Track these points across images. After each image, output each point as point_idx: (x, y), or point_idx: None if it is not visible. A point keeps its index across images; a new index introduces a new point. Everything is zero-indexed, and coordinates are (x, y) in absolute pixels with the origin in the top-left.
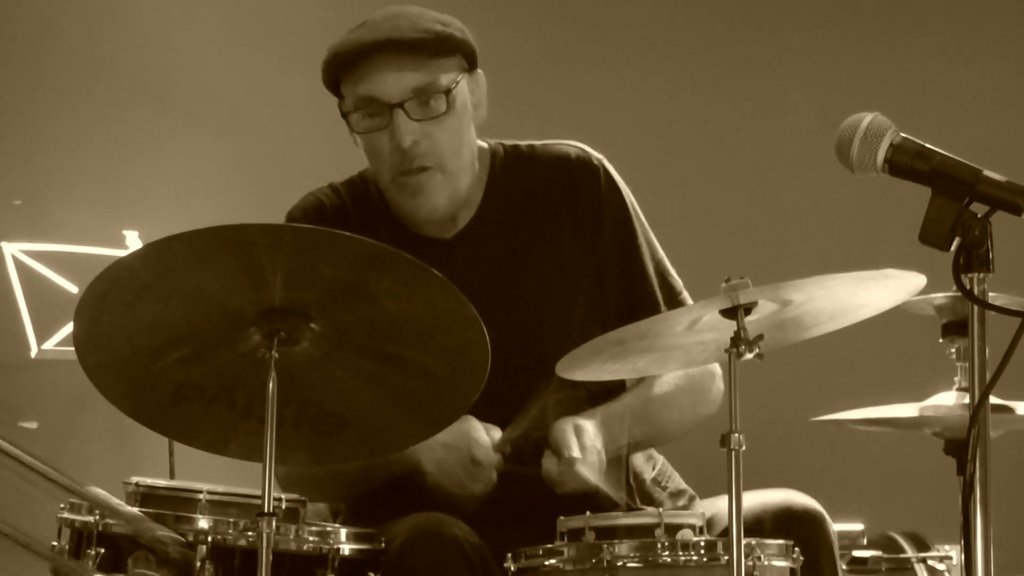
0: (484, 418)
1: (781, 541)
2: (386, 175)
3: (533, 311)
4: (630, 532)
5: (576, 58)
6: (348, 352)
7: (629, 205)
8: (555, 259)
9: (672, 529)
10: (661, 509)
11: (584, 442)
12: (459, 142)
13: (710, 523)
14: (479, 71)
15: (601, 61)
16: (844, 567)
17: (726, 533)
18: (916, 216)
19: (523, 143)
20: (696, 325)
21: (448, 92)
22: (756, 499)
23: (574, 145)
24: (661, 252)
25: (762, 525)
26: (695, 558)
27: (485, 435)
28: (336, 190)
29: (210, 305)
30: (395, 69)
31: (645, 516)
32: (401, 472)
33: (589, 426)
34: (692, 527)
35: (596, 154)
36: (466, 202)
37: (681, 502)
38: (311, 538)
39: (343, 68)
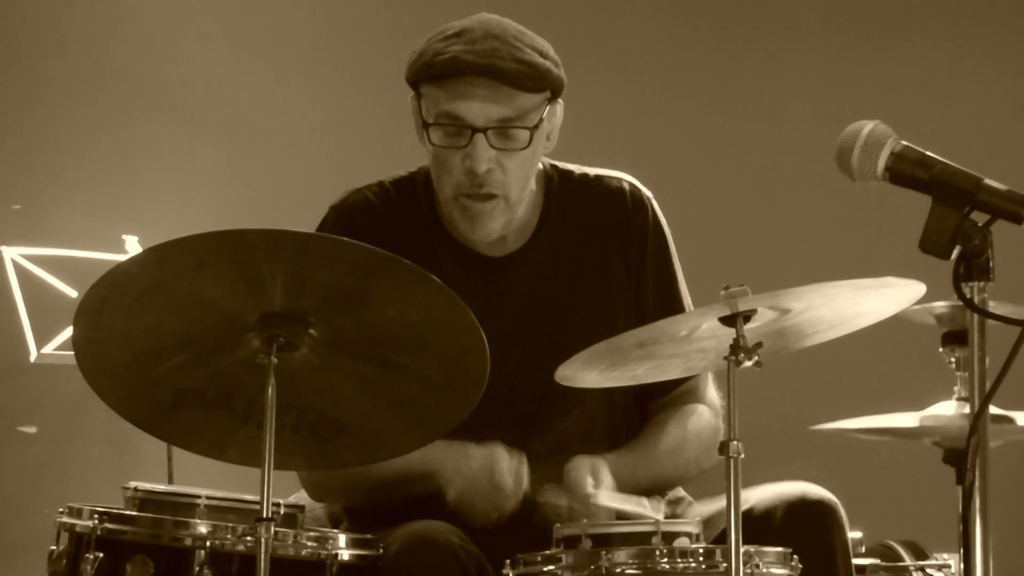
0: (522, 441)
1: (780, 549)
2: (449, 191)
3: (577, 337)
4: (627, 540)
5: (574, 64)
6: (347, 358)
7: (669, 241)
8: (603, 287)
9: (669, 537)
10: (658, 516)
11: (600, 478)
12: (528, 174)
13: (716, 517)
14: (559, 101)
15: (600, 68)
16: None
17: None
18: (916, 224)
19: (575, 169)
20: (695, 333)
21: (533, 128)
22: (771, 491)
23: (626, 179)
24: (685, 286)
25: (776, 515)
26: (693, 565)
27: (509, 468)
28: (386, 190)
29: (209, 310)
30: (487, 97)
31: (642, 524)
32: (423, 493)
33: (603, 465)
34: (689, 535)
35: (646, 190)
36: (519, 224)
37: (679, 509)
38: (309, 544)
39: (433, 79)
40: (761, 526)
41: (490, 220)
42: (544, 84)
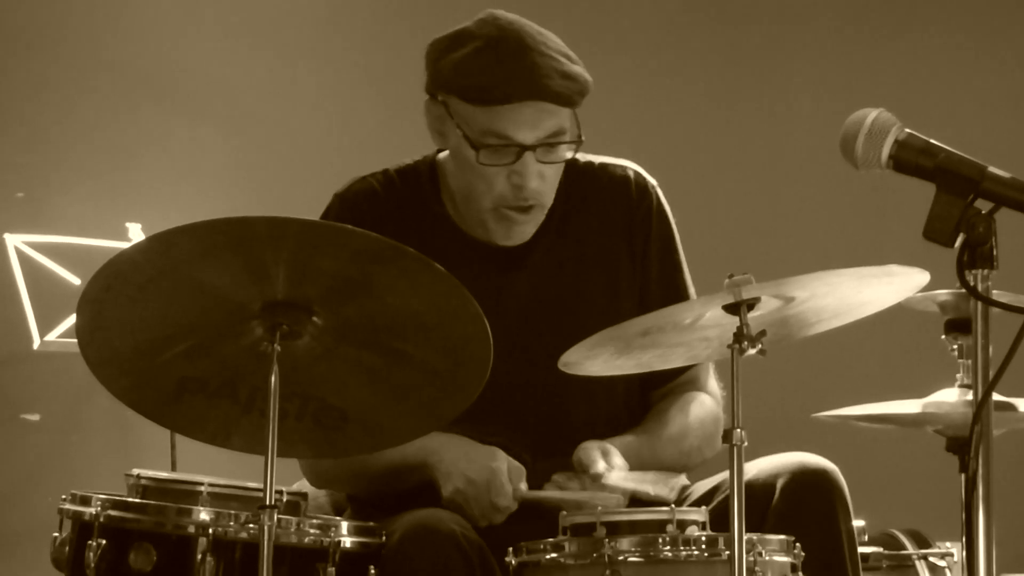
0: (526, 429)
1: (782, 536)
2: (488, 202)
3: (582, 325)
4: (641, 528)
5: (581, 54)
6: (350, 346)
7: (674, 228)
8: (608, 276)
9: (683, 525)
10: (670, 492)
11: (612, 461)
12: (559, 178)
13: (717, 488)
14: None
15: (605, 58)
16: None
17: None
18: (920, 212)
19: (580, 157)
20: (699, 321)
21: (577, 142)
22: (771, 462)
23: (631, 167)
24: (689, 274)
25: (776, 484)
26: (696, 553)
27: (508, 482)
28: (391, 179)
29: (213, 298)
30: (537, 117)
31: (656, 512)
32: (423, 481)
33: (612, 447)
34: (696, 523)
35: (650, 178)
36: None
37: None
38: (312, 531)
39: (479, 102)
40: (761, 498)
41: (528, 228)
42: (586, 94)
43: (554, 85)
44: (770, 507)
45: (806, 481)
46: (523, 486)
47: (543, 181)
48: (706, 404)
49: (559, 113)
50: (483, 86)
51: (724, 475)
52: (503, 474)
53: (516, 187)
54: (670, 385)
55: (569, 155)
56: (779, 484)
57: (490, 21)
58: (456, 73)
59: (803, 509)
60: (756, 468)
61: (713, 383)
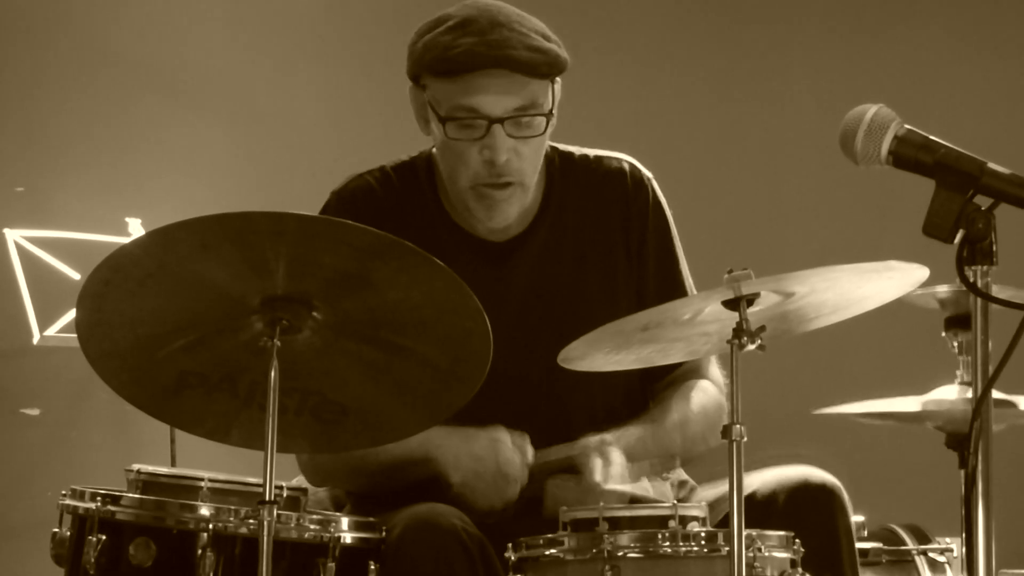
0: (526, 425)
1: (782, 532)
2: (465, 181)
3: (580, 320)
4: (644, 523)
5: (578, 50)
6: (350, 341)
7: (670, 221)
8: (605, 270)
9: (684, 521)
10: (675, 500)
11: (611, 459)
12: (540, 157)
13: (719, 501)
14: (559, 79)
15: (603, 51)
16: None
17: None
18: (920, 208)
19: (575, 150)
20: (699, 316)
21: (548, 114)
22: (774, 474)
23: (627, 160)
24: (686, 266)
25: (778, 499)
26: (696, 549)
27: (514, 450)
28: (387, 175)
29: (212, 293)
30: (502, 88)
31: (660, 508)
32: (424, 476)
33: (612, 445)
34: (696, 519)
35: (646, 171)
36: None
37: (682, 493)
38: (312, 526)
39: (448, 74)
40: (764, 511)
41: (508, 207)
42: (556, 69)
43: (518, 55)
44: (771, 523)
45: (808, 497)
46: (529, 451)
47: (519, 157)
48: (709, 391)
49: (528, 85)
50: (448, 57)
51: (723, 489)
52: (508, 445)
53: (488, 162)
54: (671, 376)
55: (541, 130)
56: (781, 500)
57: (470, 3)
58: (427, 49)
59: (806, 525)
60: (758, 481)
61: (716, 371)
